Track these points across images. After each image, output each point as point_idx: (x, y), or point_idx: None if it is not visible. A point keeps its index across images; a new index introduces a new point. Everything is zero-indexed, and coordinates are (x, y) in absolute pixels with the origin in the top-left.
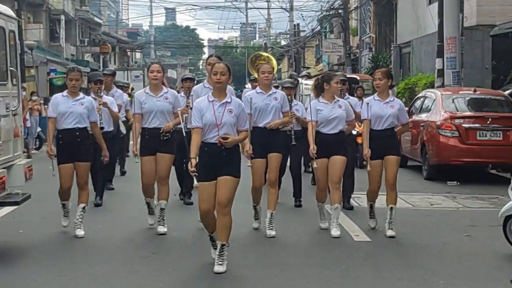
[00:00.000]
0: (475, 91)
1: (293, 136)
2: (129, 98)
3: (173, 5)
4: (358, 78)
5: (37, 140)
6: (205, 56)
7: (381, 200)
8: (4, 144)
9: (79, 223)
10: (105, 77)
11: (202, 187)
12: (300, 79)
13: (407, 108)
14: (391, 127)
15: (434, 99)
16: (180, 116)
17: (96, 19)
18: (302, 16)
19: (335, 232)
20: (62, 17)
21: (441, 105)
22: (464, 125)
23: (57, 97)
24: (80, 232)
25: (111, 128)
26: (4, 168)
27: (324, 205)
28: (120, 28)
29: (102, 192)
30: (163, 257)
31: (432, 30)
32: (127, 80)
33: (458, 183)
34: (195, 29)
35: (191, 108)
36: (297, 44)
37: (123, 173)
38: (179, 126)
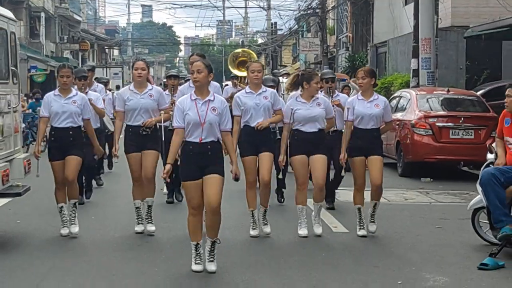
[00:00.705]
0: (448, 91)
1: (277, 131)
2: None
3: (151, 3)
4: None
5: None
6: (181, 53)
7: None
8: (6, 139)
9: (73, 219)
10: None
11: (190, 186)
12: (280, 78)
13: None
14: (376, 127)
15: (409, 99)
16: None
17: (75, 16)
18: (280, 15)
19: (317, 228)
20: (42, 14)
21: (416, 105)
22: (437, 124)
23: (49, 96)
24: (74, 229)
25: (98, 125)
26: (6, 161)
27: (304, 208)
28: (98, 25)
29: (89, 191)
30: (154, 253)
31: (408, 30)
32: (107, 77)
33: (432, 179)
34: (172, 26)
35: None
36: (274, 42)
37: (110, 168)
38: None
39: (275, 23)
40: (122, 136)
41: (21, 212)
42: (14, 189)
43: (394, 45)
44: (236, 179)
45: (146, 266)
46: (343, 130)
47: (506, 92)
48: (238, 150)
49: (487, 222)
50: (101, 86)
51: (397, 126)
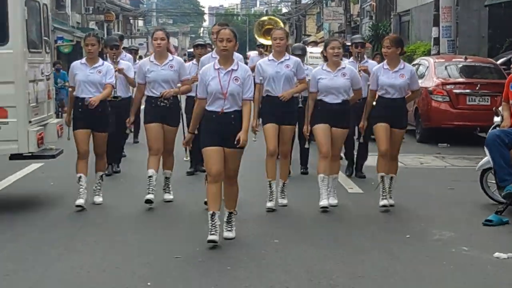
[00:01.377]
0: (466, 59)
1: (300, 99)
2: None
3: None
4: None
5: None
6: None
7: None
8: (40, 105)
9: (98, 190)
10: None
11: (210, 152)
12: (306, 47)
13: None
14: (400, 96)
15: (428, 66)
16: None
17: None
18: None
19: (332, 200)
20: None
21: (434, 72)
22: (454, 90)
23: (75, 64)
24: (98, 199)
25: (129, 94)
26: (41, 126)
27: (326, 177)
28: None
29: (119, 160)
30: (175, 226)
31: None
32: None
33: (449, 145)
34: None
35: None
36: (298, 12)
37: (136, 142)
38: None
39: None
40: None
41: (54, 175)
42: (48, 152)
43: (417, 13)
44: (241, 146)
45: (164, 250)
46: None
47: None
48: (260, 120)
49: (494, 182)
50: (129, 56)
51: None
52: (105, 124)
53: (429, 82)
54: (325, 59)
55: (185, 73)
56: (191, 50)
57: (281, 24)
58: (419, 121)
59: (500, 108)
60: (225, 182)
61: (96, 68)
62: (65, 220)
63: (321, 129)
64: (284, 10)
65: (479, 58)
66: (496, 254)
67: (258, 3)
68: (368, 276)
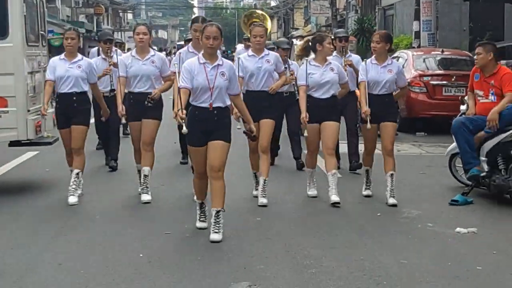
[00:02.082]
0: (443, 51)
1: (286, 94)
2: None
3: None
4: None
5: None
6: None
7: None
8: (37, 95)
9: (73, 189)
10: None
11: (196, 151)
12: (294, 40)
13: None
14: (388, 92)
15: (406, 59)
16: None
17: None
18: None
19: (334, 198)
20: None
21: (412, 65)
22: (431, 82)
23: (55, 60)
24: (72, 200)
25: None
26: (38, 115)
27: (314, 171)
28: None
29: (116, 155)
30: (166, 208)
31: None
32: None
33: (426, 133)
34: None
35: None
36: (286, 5)
37: (126, 134)
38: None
39: None
40: None
41: (48, 163)
42: (45, 139)
43: (400, 7)
44: (253, 138)
45: (155, 227)
46: (356, 90)
47: (476, 50)
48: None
49: (461, 166)
50: (119, 51)
51: None
52: (84, 118)
53: (407, 74)
54: (306, 54)
55: (167, 69)
56: (181, 43)
57: (269, 22)
58: (397, 111)
59: (466, 97)
60: (211, 176)
61: (76, 63)
62: (64, 199)
63: (309, 129)
64: (273, 3)
65: (455, 51)
66: (458, 229)
67: None
68: (338, 247)
